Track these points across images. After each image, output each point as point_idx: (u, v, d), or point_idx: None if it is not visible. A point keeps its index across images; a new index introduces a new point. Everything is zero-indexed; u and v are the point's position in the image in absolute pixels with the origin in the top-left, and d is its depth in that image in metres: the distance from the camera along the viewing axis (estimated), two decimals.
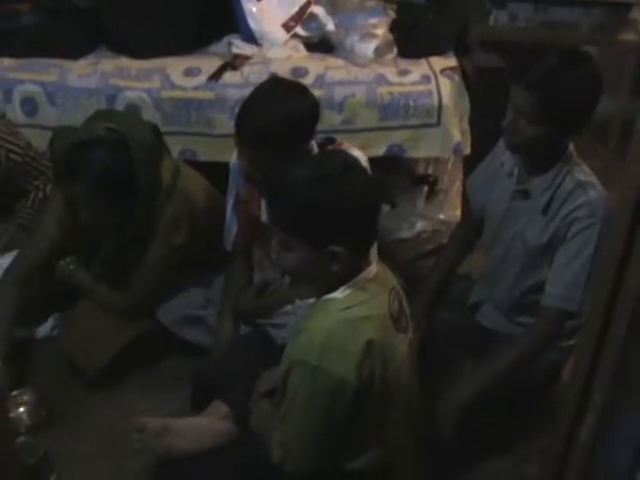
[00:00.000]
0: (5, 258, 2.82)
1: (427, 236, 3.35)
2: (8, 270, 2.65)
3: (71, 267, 2.73)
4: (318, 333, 1.78)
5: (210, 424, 2.26)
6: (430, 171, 3.49)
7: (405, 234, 3.31)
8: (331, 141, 2.50)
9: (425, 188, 3.45)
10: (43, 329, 2.86)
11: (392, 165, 3.29)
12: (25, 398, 2.53)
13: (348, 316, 1.80)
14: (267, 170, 2.31)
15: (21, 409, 2.51)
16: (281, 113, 2.27)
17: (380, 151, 3.09)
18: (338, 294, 1.83)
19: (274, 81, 2.61)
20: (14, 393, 2.52)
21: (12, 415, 2.45)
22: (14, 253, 2.81)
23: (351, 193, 1.76)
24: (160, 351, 2.79)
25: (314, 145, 2.43)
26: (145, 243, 2.61)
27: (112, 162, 2.41)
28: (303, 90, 2.39)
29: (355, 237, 1.80)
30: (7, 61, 3.25)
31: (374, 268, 1.88)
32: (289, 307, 2.49)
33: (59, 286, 2.73)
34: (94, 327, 2.68)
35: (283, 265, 1.90)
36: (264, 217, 2.59)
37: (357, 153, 2.45)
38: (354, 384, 1.76)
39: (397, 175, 3.41)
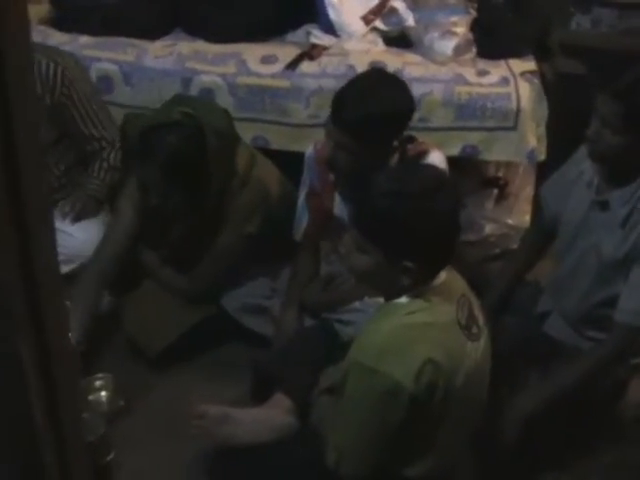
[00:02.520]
0: (78, 227, 2.87)
1: (495, 240, 3.30)
2: (90, 264, 2.65)
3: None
4: (378, 336, 1.78)
5: (271, 417, 2.25)
6: (501, 174, 3.43)
7: (473, 236, 3.26)
8: (412, 139, 2.47)
9: (495, 191, 3.40)
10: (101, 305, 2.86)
11: (462, 165, 3.24)
12: (104, 383, 2.54)
13: (410, 321, 1.79)
14: (353, 161, 2.30)
15: (102, 393, 2.53)
16: (382, 104, 2.26)
17: (454, 151, 3.05)
18: (403, 299, 1.83)
19: (377, 71, 2.63)
20: (99, 375, 2.54)
21: (91, 398, 2.48)
22: (86, 224, 2.86)
23: (439, 213, 1.75)
24: (222, 337, 2.77)
25: (397, 143, 2.41)
26: (215, 229, 2.60)
27: (186, 145, 2.40)
28: (404, 86, 2.37)
29: (432, 256, 1.79)
30: (84, 38, 3.26)
31: (443, 275, 1.86)
32: (357, 304, 2.46)
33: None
34: (157, 309, 2.68)
35: (351, 265, 1.89)
36: (336, 210, 2.57)
37: (437, 155, 2.43)
38: (411, 390, 1.73)
39: (467, 176, 3.36)
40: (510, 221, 3.33)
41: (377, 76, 2.45)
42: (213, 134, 2.43)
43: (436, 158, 2.42)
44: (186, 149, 2.40)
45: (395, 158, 2.42)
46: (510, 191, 3.41)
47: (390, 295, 1.86)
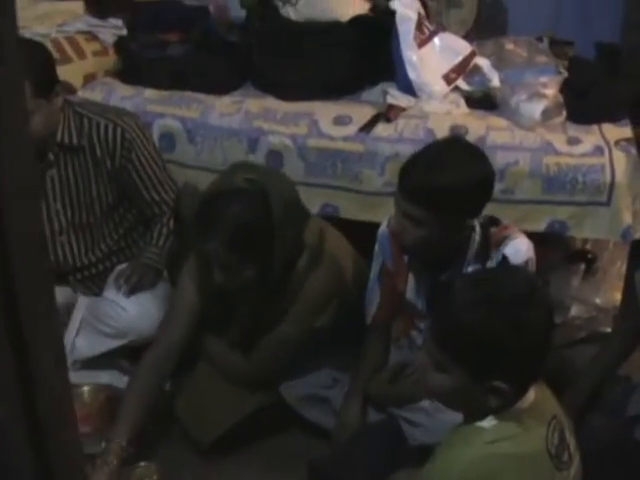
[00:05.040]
0: (132, 300, 2.68)
1: (581, 322, 3.04)
2: (150, 351, 2.43)
3: None
4: (456, 465, 1.57)
5: None
6: (588, 247, 3.19)
7: (557, 318, 2.99)
8: (495, 222, 2.23)
9: (582, 266, 3.15)
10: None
11: (546, 237, 3.00)
12: (146, 472, 2.33)
13: (493, 451, 1.56)
14: (422, 236, 2.11)
15: None
16: (456, 176, 2.05)
17: (540, 227, 2.80)
18: (485, 423, 1.60)
19: (455, 140, 2.40)
20: (141, 464, 2.34)
21: None
22: (141, 297, 2.68)
23: (532, 325, 1.52)
24: (279, 426, 2.57)
25: (477, 224, 2.19)
26: (281, 312, 2.38)
27: (250, 216, 2.19)
28: (484, 158, 2.15)
29: (525, 374, 1.56)
30: (149, 92, 3.11)
31: (532, 394, 1.63)
32: (427, 404, 2.22)
33: None
34: (211, 394, 2.48)
35: (429, 385, 1.66)
36: (409, 294, 2.36)
37: (523, 241, 2.20)
38: None
39: (552, 248, 3.11)
40: (598, 300, 3.07)
41: (452, 144, 2.26)
42: (279, 202, 2.20)
43: (522, 245, 2.19)
44: (250, 219, 2.18)
45: (475, 242, 2.20)
46: (599, 266, 3.17)
47: (472, 416, 1.63)
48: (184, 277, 2.46)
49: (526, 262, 2.17)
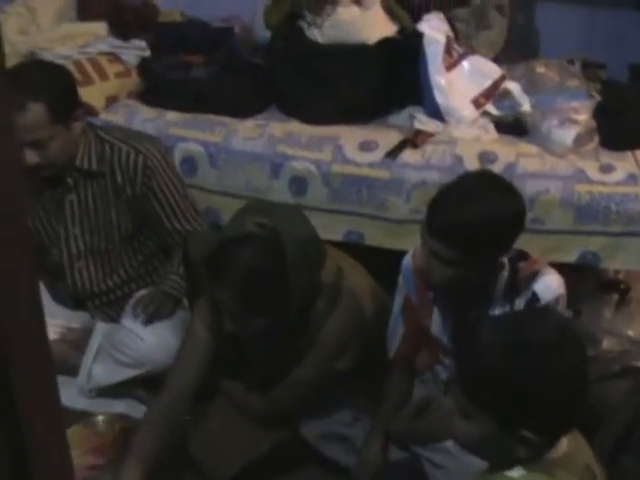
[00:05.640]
0: (150, 330, 2.61)
1: (613, 356, 2.93)
2: (159, 398, 2.32)
3: None
4: None
5: None
6: (621, 276, 3.08)
7: (588, 351, 2.90)
8: (523, 257, 2.14)
9: (615, 296, 3.04)
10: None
11: (577, 265, 2.91)
12: None
13: None
14: (450, 275, 2.02)
15: None
16: (488, 214, 1.96)
17: (571, 257, 2.72)
18: (514, 473, 1.50)
19: (484, 174, 2.30)
20: None
21: None
22: (159, 326, 2.61)
23: (564, 372, 1.43)
24: (297, 463, 2.49)
25: (505, 260, 2.10)
26: (300, 352, 2.27)
27: (261, 263, 2.06)
28: (514, 194, 2.06)
29: (556, 423, 1.46)
30: (172, 114, 3.05)
31: (564, 444, 1.53)
32: (450, 445, 2.12)
33: None
34: (226, 430, 2.40)
35: (454, 432, 1.57)
36: (434, 329, 2.28)
37: (553, 277, 2.11)
38: None
39: (582, 278, 3.01)
40: (631, 333, 2.95)
41: (481, 178, 2.16)
42: (294, 246, 2.07)
43: (553, 281, 2.10)
44: (262, 266, 2.06)
45: (504, 277, 2.11)
46: (632, 296, 3.05)
47: (499, 465, 1.54)
48: (195, 320, 2.35)
49: (557, 299, 2.08)
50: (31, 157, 2.43)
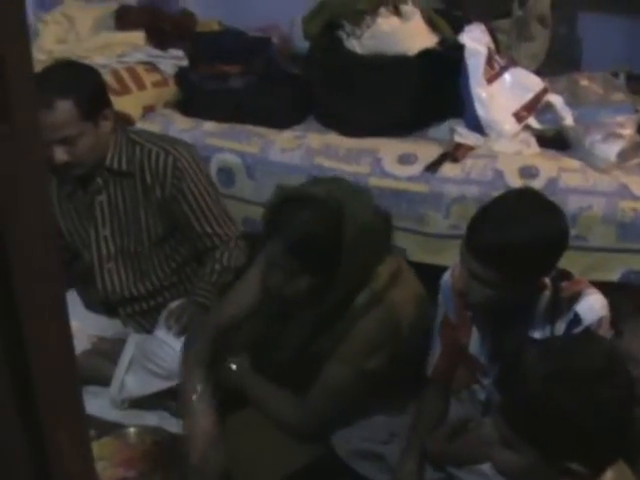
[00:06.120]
0: (182, 341, 2.53)
1: None
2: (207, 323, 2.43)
3: (241, 368, 2.44)
4: None
5: None
6: None
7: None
8: (566, 277, 2.09)
9: None
10: None
11: (619, 285, 2.84)
12: None
13: None
14: (489, 295, 1.97)
15: None
16: (530, 235, 1.91)
17: (614, 276, 2.66)
18: None
19: (525, 192, 2.21)
20: None
21: None
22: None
23: (609, 405, 1.38)
24: (328, 478, 2.43)
25: (548, 279, 2.04)
26: (331, 345, 2.23)
27: (319, 226, 2.07)
28: (557, 213, 2.00)
29: (603, 455, 1.41)
30: (209, 125, 3.04)
31: (609, 475, 1.48)
32: (487, 467, 2.07)
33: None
34: (257, 444, 2.35)
35: (495, 461, 1.52)
36: (472, 348, 2.22)
37: (597, 298, 2.05)
38: None
39: (624, 297, 2.94)
40: None
41: (523, 197, 2.09)
42: (354, 226, 2.07)
43: (596, 303, 2.04)
44: (320, 230, 2.07)
45: (546, 297, 2.05)
46: None
47: None
48: (251, 272, 2.37)
49: (599, 321, 2.02)
50: (60, 155, 2.44)
